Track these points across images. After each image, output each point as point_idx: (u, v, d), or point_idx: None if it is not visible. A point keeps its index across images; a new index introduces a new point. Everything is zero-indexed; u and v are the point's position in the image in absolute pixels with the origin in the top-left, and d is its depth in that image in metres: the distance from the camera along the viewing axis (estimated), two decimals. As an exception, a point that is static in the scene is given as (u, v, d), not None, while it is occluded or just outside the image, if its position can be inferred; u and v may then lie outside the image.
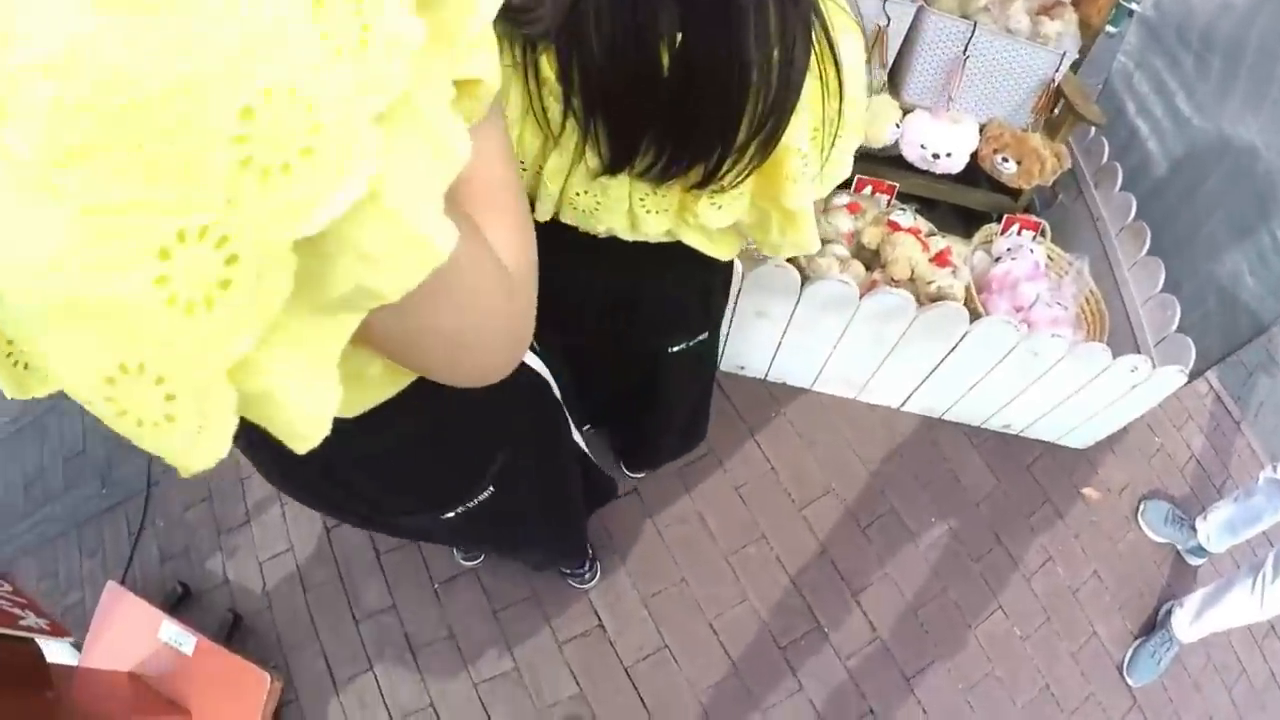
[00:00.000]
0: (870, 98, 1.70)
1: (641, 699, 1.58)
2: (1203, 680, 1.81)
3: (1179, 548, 1.92)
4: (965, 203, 1.97)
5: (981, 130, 1.79)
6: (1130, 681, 1.74)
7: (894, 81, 1.79)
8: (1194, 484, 2.04)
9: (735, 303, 1.62)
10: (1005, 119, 1.78)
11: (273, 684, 1.37)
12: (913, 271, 1.67)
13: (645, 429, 1.62)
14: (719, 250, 0.81)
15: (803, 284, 1.52)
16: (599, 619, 1.64)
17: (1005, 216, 1.89)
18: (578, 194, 0.70)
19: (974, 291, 1.74)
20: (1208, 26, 1.77)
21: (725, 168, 0.63)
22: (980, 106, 1.77)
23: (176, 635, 1.34)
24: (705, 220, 0.70)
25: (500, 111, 0.42)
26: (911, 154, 1.76)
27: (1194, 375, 1.67)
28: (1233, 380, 2.24)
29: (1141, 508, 1.93)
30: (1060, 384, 1.71)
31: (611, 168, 0.64)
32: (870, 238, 1.71)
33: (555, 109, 0.61)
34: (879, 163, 1.85)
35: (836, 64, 0.61)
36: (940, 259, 1.73)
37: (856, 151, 0.71)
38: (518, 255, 0.42)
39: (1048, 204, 2.15)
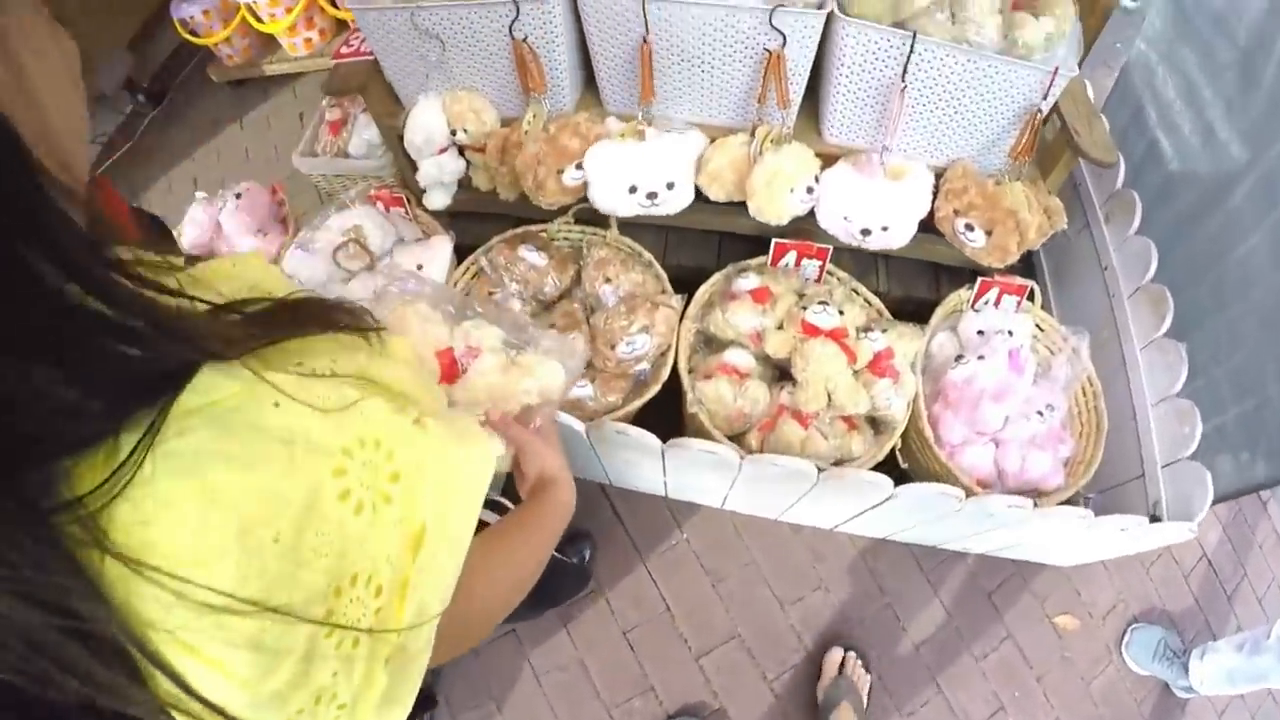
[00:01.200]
0: (771, 152, 1.19)
1: None
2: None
3: (1167, 683, 1.57)
4: (929, 258, 1.47)
5: (938, 177, 1.27)
6: None
7: (811, 114, 1.26)
8: (1200, 591, 1.66)
9: (595, 454, 1.23)
10: (971, 161, 1.26)
11: None
12: (830, 397, 1.23)
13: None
14: None
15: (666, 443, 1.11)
16: (480, 768, 1.44)
17: (980, 280, 1.40)
18: None
19: (922, 408, 1.30)
20: (1264, 14, 1.20)
21: None
22: (932, 148, 1.24)
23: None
24: None
25: None
26: (833, 227, 1.25)
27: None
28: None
29: (1127, 637, 1.57)
30: (1029, 531, 1.31)
31: None
32: (776, 347, 1.25)
33: None
34: (804, 217, 1.34)
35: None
36: (876, 366, 1.29)
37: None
38: None
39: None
